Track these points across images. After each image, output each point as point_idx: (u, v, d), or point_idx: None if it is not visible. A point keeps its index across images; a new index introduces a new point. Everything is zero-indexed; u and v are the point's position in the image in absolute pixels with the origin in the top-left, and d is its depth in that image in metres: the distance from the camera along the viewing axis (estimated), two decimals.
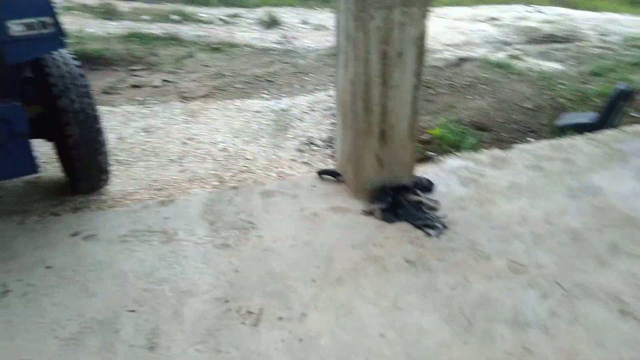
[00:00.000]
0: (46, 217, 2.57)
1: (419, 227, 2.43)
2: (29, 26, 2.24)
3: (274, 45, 7.82)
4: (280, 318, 1.88)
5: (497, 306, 1.94)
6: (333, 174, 2.88)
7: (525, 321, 1.87)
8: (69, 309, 1.90)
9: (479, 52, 8.72)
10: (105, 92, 5.24)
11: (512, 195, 2.70)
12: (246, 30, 8.93)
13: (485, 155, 3.16)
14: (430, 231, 2.40)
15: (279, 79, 6.07)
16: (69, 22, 7.67)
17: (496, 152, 3.23)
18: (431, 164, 3.05)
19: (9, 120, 2.17)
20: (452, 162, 3.06)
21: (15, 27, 2.20)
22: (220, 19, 9.55)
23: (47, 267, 2.14)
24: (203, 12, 10.03)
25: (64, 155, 2.72)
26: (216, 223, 2.46)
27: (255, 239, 2.34)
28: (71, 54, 2.67)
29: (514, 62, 8.14)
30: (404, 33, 2.31)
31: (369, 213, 2.54)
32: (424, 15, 2.31)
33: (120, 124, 4.26)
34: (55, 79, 2.45)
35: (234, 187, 2.82)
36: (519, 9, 13.13)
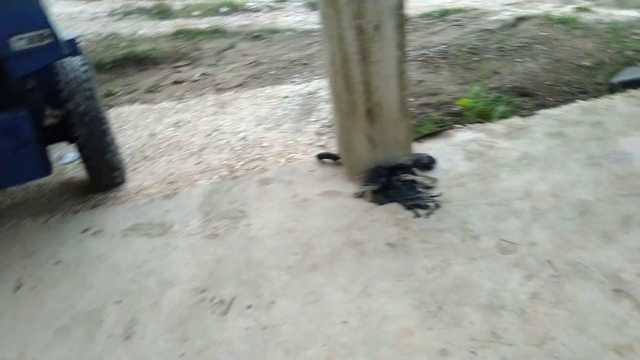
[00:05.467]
0: (67, 215, 2.81)
1: (409, 207, 2.33)
2: (29, 40, 2.43)
3: (317, 27, 7.74)
4: (249, 306, 1.91)
5: (474, 290, 1.82)
6: (333, 157, 2.84)
7: (501, 305, 1.73)
8: (65, 301, 2.08)
9: (542, 9, 7.99)
10: (149, 91, 5.54)
11: (521, 167, 2.48)
12: (291, 14, 8.93)
13: (501, 125, 2.92)
14: (420, 211, 2.29)
15: (315, 61, 6.03)
16: (126, 26, 8.19)
17: (515, 120, 2.97)
18: (439, 138, 2.88)
19: (15, 129, 2.39)
20: (462, 135, 2.87)
21: (17, 43, 2.40)
22: (268, 6, 9.63)
23: (56, 263, 2.35)
24: (253, 0, 10.18)
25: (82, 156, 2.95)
26: (210, 213, 2.54)
27: (243, 227, 2.39)
28: (82, 60, 2.84)
29: (581, 15, 7.37)
30: (378, 4, 2.18)
31: (360, 196, 2.47)
32: None
33: (155, 120, 4.49)
34: (63, 85, 2.63)
35: (235, 177, 2.88)
36: None
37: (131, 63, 6.34)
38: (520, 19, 7.46)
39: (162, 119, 4.49)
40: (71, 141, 2.96)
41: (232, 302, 1.95)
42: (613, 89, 4.16)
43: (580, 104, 3.04)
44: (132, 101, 5.10)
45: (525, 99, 4.56)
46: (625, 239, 1.93)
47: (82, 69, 2.78)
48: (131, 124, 4.37)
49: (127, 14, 9.21)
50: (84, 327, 1.93)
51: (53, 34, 2.49)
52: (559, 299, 1.71)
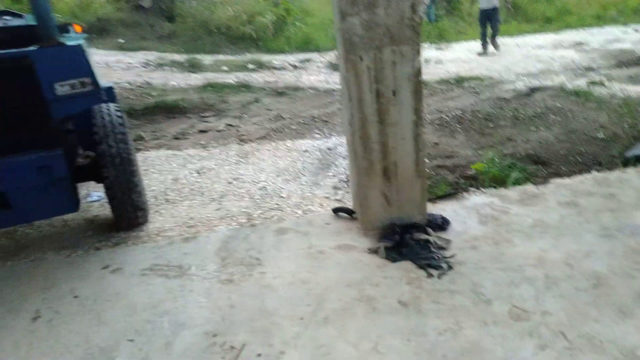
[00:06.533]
0: (89, 251, 2.89)
1: (421, 267, 2.36)
2: (71, 86, 2.64)
3: (337, 86, 8.07)
4: (259, 355, 1.93)
5: (485, 355, 1.81)
6: (348, 211, 2.91)
7: None
8: (79, 335, 2.13)
9: (556, 81, 8.23)
10: (176, 138, 5.77)
11: (534, 234, 2.52)
12: (314, 73, 9.34)
13: (514, 191, 2.98)
14: (433, 271, 2.32)
15: (335, 119, 6.25)
16: (158, 77, 8.63)
17: (529, 187, 3.03)
18: (453, 200, 2.95)
19: (51, 167, 2.54)
20: (476, 198, 2.93)
21: (61, 88, 2.60)
22: (292, 65, 10.09)
23: (75, 297, 2.41)
24: (278, 59, 10.68)
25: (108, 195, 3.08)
26: (227, 259, 2.60)
27: (258, 275, 2.44)
28: (117, 106, 3.03)
29: (595, 88, 7.56)
30: (396, 71, 2.33)
31: (374, 251, 2.52)
32: (417, 52, 2.32)
33: (180, 166, 4.66)
34: (98, 128, 2.80)
35: (252, 225, 2.96)
36: (612, 31, 12.17)
37: (161, 111, 6.65)
38: (535, 90, 7.68)
39: (186, 165, 4.65)
40: (99, 181, 3.10)
41: (242, 349, 1.97)
42: (627, 162, 4.22)
43: (593, 175, 3.10)
44: (159, 146, 5.31)
45: (539, 167, 4.63)
46: None
47: (116, 114, 2.95)
48: (156, 168, 4.54)
49: (160, 65, 9.72)
50: None
51: (94, 82, 2.70)
52: None
